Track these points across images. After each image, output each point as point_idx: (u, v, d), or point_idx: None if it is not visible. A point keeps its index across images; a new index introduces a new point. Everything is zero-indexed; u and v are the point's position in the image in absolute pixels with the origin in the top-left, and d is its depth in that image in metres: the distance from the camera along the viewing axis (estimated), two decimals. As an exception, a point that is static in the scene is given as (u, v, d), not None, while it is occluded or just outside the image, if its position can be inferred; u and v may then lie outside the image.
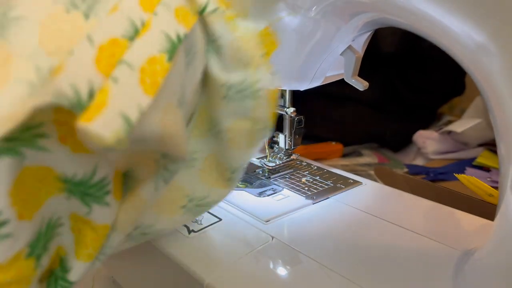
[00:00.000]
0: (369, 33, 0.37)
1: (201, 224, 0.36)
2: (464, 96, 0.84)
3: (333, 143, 0.75)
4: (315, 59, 0.35)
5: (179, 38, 0.20)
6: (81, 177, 0.20)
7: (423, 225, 0.36)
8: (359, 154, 0.77)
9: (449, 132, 0.72)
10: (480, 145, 0.70)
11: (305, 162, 0.51)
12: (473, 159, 0.66)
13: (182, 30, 0.20)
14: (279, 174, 0.47)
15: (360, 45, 0.38)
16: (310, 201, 0.40)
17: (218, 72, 0.24)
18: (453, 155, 0.70)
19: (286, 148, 0.48)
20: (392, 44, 0.76)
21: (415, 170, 0.65)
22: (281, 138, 0.48)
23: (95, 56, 0.17)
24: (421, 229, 0.35)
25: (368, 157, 0.75)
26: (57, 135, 0.19)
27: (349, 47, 0.36)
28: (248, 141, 0.25)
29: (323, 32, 0.33)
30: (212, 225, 0.36)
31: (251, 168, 0.48)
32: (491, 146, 0.68)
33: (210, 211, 0.38)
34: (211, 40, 0.23)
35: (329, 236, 0.35)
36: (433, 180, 0.60)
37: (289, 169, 0.48)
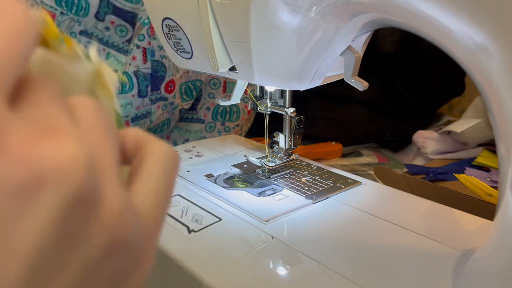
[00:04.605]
0: (368, 33, 0.37)
1: (201, 224, 0.36)
2: (464, 96, 0.84)
3: (333, 143, 0.75)
4: (315, 59, 0.35)
5: None
6: None
7: (423, 225, 0.36)
8: (359, 154, 0.77)
9: (449, 132, 0.72)
10: (480, 145, 0.70)
11: (305, 162, 0.51)
12: (473, 159, 0.66)
13: None
14: (279, 174, 0.47)
15: (360, 45, 0.38)
16: (310, 201, 0.40)
17: None
18: (452, 155, 0.70)
19: (286, 148, 0.48)
20: (392, 44, 0.76)
21: (414, 170, 0.65)
22: (281, 138, 0.48)
23: None
24: (421, 229, 0.35)
25: (368, 157, 0.75)
26: None
27: (349, 47, 0.36)
28: None
29: (323, 32, 0.33)
30: (212, 225, 0.36)
31: (251, 168, 0.48)
32: (490, 146, 0.68)
33: (210, 211, 0.38)
34: None
35: (329, 236, 0.35)
36: (432, 180, 0.59)
37: (289, 169, 0.48)
